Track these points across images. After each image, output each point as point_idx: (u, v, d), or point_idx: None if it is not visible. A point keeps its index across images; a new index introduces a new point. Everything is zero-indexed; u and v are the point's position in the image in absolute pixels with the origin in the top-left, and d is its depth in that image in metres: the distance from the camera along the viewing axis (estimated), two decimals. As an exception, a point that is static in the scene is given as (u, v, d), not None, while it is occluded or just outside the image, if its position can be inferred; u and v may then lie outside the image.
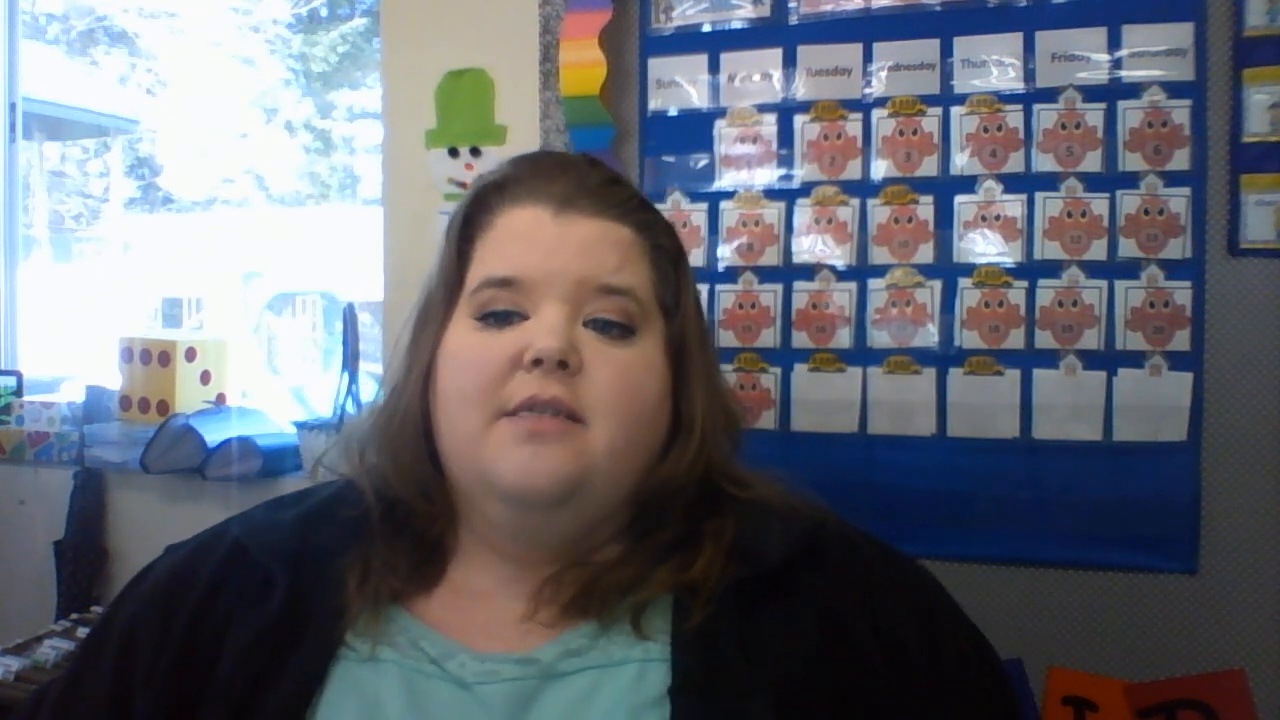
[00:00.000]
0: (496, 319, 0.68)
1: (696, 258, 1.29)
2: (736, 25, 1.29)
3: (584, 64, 1.28)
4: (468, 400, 0.67)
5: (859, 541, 0.74)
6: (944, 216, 1.21)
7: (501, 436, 0.65)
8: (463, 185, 1.41)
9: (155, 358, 1.71)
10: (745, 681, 0.64)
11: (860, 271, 1.24)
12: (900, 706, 0.67)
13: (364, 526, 0.72)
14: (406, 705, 0.64)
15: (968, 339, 1.20)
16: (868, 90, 1.24)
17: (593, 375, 0.67)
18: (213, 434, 1.58)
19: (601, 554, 0.71)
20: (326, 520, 0.73)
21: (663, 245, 0.75)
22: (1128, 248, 1.15)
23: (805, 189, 1.26)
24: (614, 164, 1.33)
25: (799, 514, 0.72)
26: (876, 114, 1.23)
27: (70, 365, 2.13)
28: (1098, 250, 1.16)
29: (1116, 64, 1.16)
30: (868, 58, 1.24)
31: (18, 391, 1.90)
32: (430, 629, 0.68)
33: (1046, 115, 1.18)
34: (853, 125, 1.24)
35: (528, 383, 0.65)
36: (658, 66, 1.32)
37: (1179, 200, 1.14)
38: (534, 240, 0.69)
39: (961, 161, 1.21)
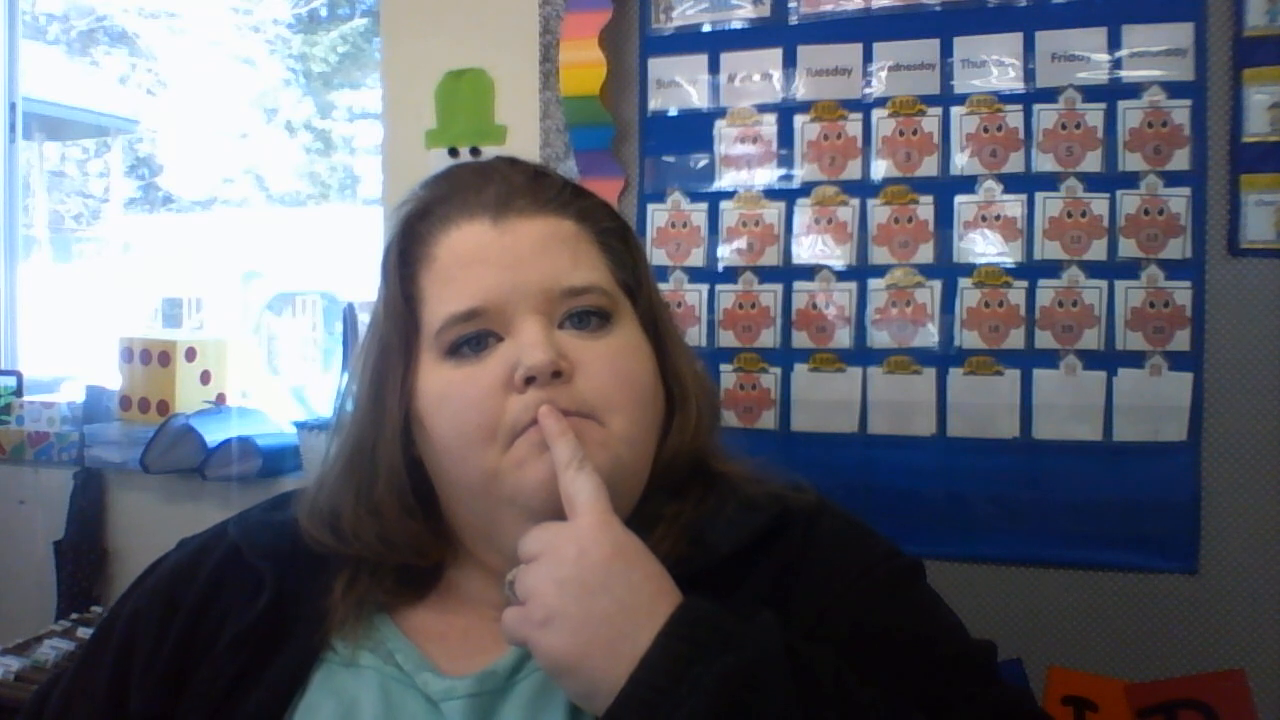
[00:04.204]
0: (471, 346, 0.65)
1: (697, 258, 1.30)
2: (736, 25, 1.29)
3: (584, 64, 1.28)
4: (471, 439, 0.64)
5: (825, 527, 0.69)
6: (944, 216, 1.21)
7: (521, 455, 0.63)
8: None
9: (155, 358, 1.71)
10: None
11: (860, 271, 1.24)
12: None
13: None
14: (382, 713, 0.64)
15: (968, 339, 1.20)
16: (868, 90, 1.24)
17: (587, 372, 0.65)
18: (213, 434, 1.58)
19: None
20: None
21: (607, 227, 0.72)
22: (1128, 248, 1.15)
23: (805, 189, 1.26)
24: (614, 164, 1.33)
25: (759, 506, 0.68)
26: (876, 114, 1.23)
27: (70, 365, 2.13)
28: (1098, 250, 1.16)
29: (1116, 64, 1.16)
30: (868, 58, 1.24)
31: (18, 391, 1.90)
32: (406, 640, 0.68)
33: (1046, 115, 1.18)
34: (853, 125, 1.24)
35: (528, 404, 0.63)
36: (658, 66, 1.32)
37: (1179, 200, 1.14)
38: (484, 260, 0.66)
39: (961, 161, 1.20)
